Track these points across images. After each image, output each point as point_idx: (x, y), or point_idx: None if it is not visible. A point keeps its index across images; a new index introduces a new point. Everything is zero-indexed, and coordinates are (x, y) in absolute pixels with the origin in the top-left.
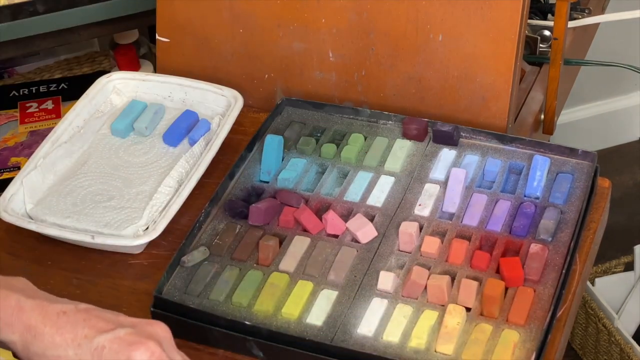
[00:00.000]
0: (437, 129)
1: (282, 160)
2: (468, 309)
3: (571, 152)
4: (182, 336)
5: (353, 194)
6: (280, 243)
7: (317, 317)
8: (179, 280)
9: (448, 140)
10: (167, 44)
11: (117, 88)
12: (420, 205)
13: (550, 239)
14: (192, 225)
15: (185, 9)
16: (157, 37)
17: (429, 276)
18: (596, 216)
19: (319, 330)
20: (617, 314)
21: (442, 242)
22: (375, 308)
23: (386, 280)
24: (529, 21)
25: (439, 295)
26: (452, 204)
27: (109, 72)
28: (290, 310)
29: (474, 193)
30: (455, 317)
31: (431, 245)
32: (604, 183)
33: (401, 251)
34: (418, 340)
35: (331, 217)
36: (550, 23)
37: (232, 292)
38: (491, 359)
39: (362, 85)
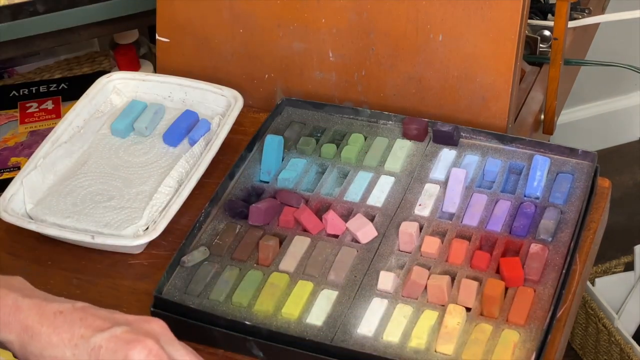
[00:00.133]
0: (437, 129)
1: (282, 160)
2: (468, 309)
3: (571, 152)
4: (182, 336)
5: (353, 194)
6: (280, 243)
7: (317, 317)
8: (179, 280)
9: (448, 140)
10: (167, 44)
11: (117, 88)
12: (420, 205)
13: (550, 239)
14: (192, 225)
15: (185, 9)
16: (157, 37)
17: (429, 276)
18: (596, 216)
19: (319, 330)
20: (617, 314)
21: (442, 242)
22: (375, 308)
23: (386, 280)
24: (529, 21)
25: (439, 295)
26: (452, 204)
27: (109, 72)
28: (290, 310)
29: (474, 193)
30: (455, 317)
31: (431, 245)
32: (604, 183)
33: (401, 251)
34: (418, 340)
35: (331, 217)
36: (550, 23)
37: (232, 292)
38: (491, 359)
39: (362, 85)
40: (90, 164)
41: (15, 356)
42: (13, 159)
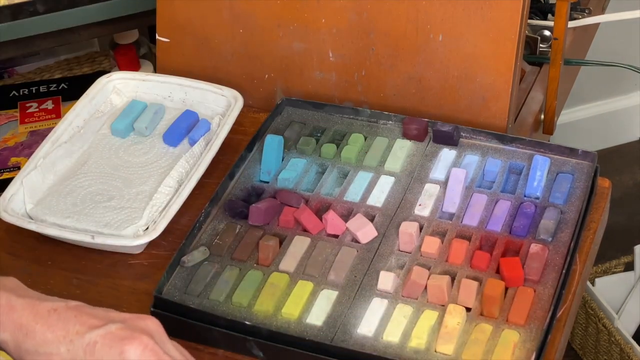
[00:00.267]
0: (437, 129)
1: (282, 160)
2: (468, 309)
3: (571, 152)
4: (182, 336)
5: (353, 194)
6: (280, 243)
7: (317, 317)
8: (179, 280)
9: (448, 140)
10: (167, 44)
11: (117, 88)
12: (420, 205)
13: (550, 239)
14: (192, 225)
15: (185, 9)
16: (157, 37)
17: (429, 276)
18: (596, 216)
19: (319, 330)
20: (617, 314)
21: (442, 242)
22: (375, 308)
23: (386, 280)
24: (529, 21)
25: (439, 295)
26: (452, 204)
27: (109, 72)
28: (290, 310)
29: (474, 193)
30: (455, 317)
31: (431, 245)
32: (604, 183)
33: (401, 251)
34: (418, 340)
35: (331, 217)
36: (550, 23)
37: (232, 292)
38: (491, 359)
39: (362, 85)
40: (90, 164)
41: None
42: (13, 159)
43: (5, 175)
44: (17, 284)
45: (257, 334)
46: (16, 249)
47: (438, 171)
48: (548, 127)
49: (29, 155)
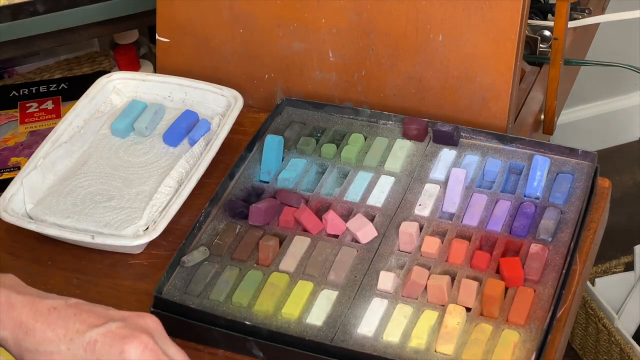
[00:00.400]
0: (437, 129)
1: (282, 160)
2: (468, 309)
3: (571, 152)
4: (182, 336)
5: (353, 194)
6: (280, 243)
7: (317, 317)
8: (179, 280)
9: (448, 140)
10: (167, 44)
11: (117, 88)
12: (420, 205)
13: (550, 239)
14: (192, 225)
15: (185, 9)
16: (157, 37)
17: (429, 276)
18: (596, 216)
19: (319, 330)
20: (617, 314)
21: (442, 242)
22: (375, 308)
23: (386, 280)
24: (529, 21)
25: (439, 295)
26: (452, 204)
27: (109, 72)
28: (290, 310)
29: (474, 193)
30: (455, 317)
31: (431, 245)
32: (604, 183)
33: (401, 251)
34: (418, 340)
35: (331, 217)
36: (550, 23)
37: (232, 292)
38: (491, 359)
39: (362, 85)
40: (90, 164)
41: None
42: (13, 159)
43: (5, 175)
44: (16, 281)
45: (257, 334)
46: (16, 249)
47: (438, 171)
48: (548, 127)
49: (29, 155)
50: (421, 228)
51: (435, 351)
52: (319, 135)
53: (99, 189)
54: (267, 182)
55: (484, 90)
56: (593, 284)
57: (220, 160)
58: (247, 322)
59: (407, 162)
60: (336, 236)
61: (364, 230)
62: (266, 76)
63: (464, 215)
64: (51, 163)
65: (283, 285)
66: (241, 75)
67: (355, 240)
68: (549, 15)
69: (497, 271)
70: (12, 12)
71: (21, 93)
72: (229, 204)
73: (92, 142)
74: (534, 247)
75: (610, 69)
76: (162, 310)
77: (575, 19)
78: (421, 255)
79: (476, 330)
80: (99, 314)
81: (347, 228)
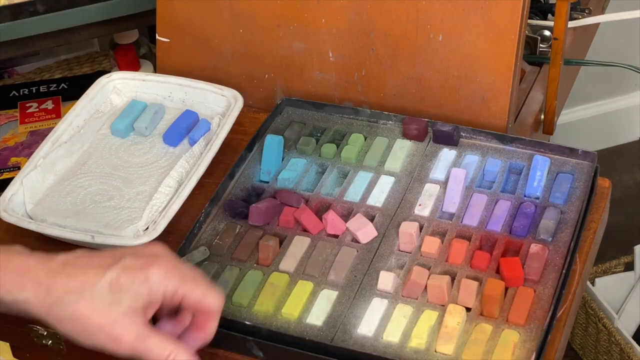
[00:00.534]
0: (437, 129)
1: (282, 160)
2: (468, 309)
3: (571, 152)
4: None
5: (353, 194)
6: (280, 243)
7: (317, 317)
8: None
9: (448, 140)
10: (167, 44)
11: (117, 88)
12: (420, 205)
13: (550, 239)
14: (192, 225)
15: (185, 9)
16: (157, 37)
17: (429, 276)
18: (596, 216)
19: (319, 330)
20: (617, 314)
21: (442, 242)
22: (375, 308)
23: (386, 280)
24: (529, 21)
25: (439, 295)
26: (452, 204)
27: (109, 72)
28: (290, 310)
29: (474, 193)
30: (455, 317)
31: (431, 245)
32: (604, 183)
33: (401, 251)
34: (418, 340)
35: (331, 217)
36: (550, 23)
37: (232, 292)
38: (491, 359)
39: (362, 85)
40: (90, 164)
41: (31, 316)
42: (13, 159)
43: (5, 175)
44: (24, 249)
45: (257, 334)
46: None
47: (438, 171)
48: (548, 127)
49: (29, 155)
50: (421, 228)
51: (435, 351)
52: (319, 135)
53: (99, 189)
54: (267, 182)
55: (484, 90)
56: (593, 284)
57: (220, 160)
58: (247, 322)
59: (407, 162)
60: (336, 236)
61: (364, 230)
62: (266, 76)
63: (464, 215)
64: (51, 163)
65: (283, 285)
66: (241, 75)
67: (355, 240)
68: (549, 15)
69: (497, 271)
70: (12, 12)
71: (21, 93)
72: (229, 204)
73: (92, 142)
74: (534, 247)
75: (610, 69)
76: None
77: (575, 19)
78: (421, 255)
79: (476, 330)
80: (108, 256)
81: (347, 228)
